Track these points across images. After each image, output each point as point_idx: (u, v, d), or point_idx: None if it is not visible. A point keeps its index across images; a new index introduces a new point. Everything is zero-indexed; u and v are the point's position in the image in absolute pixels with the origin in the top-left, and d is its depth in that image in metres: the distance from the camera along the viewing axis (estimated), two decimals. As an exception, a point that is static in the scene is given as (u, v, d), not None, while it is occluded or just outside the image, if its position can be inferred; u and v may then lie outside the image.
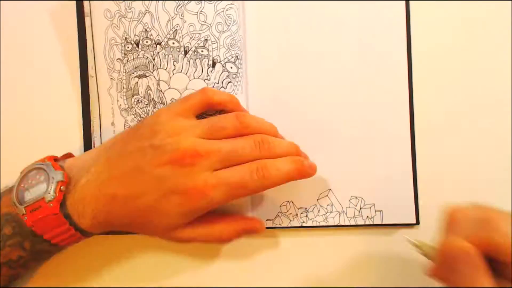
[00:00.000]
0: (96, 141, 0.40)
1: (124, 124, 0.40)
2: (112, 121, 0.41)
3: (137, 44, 0.39)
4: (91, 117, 0.40)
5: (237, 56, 0.39)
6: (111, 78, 0.40)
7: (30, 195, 0.32)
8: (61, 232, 0.33)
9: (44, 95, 0.41)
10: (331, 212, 0.38)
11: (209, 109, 0.37)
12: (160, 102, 0.39)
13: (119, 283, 0.40)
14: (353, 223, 0.38)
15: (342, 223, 0.38)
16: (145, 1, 0.39)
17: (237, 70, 0.39)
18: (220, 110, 0.37)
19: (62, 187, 0.33)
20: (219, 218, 0.36)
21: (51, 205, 0.32)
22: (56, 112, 0.41)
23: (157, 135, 0.33)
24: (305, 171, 0.34)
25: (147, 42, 0.39)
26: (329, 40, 0.39)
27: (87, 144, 0.40)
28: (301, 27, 0.40)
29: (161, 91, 0.39)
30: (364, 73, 0.39)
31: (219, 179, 0.32)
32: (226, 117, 0.35)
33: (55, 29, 0.41)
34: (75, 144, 0.40)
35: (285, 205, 0.39)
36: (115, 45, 0.40)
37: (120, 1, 0.39)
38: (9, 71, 0.41)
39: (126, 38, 0.40)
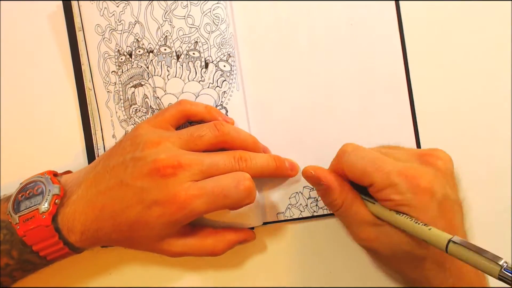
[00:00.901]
0: (100, 153, 0.40)
1: (125, 135, 0.41)
2: (113, 133, 0.41)
3: (130, 55, 0.40)
4: (94, 130, 0.41)
5: (229, 54, 0.39)
6: (108, 91, 0.41)
7: (25, 206, 0.33)
8: (50, 245, 0.33)
9: (43, 109, 0.42)
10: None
11: (187, 120, 0.37)
12: (158, 108, 0.39)
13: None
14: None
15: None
16: (134, 12, 0.39)
17: (231, 68, 0.39)
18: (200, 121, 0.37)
19: (56, 201, 0.33)
20: (210, 232, 0.36)
21: (44, 216, 0.32)
22: (57, 126, 0.41)
23: (137, 148, 0.34)
24: (285, 169, 0.37)
25: (139, 51, 0.40)
26: (320, 28, 0.39)
27: (91, 157, 0.40)
28: (290, 18, 0.40)
29: (158, 97, 0.39)
30: (359, 58, 0.39)
31: (201, 189, 0.32)
32: (204, 125, 0.35)
33: (48, 43, 0.42)
34: (79, 158, 0.41)
35: (294, 196, 0.39)
36: (109, 58, 0.40)
37: (110, 15, 0.40)
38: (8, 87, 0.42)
39: (118, 50, 0.40)
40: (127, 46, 0.40)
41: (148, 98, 0.40)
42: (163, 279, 0.40)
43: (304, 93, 0.39)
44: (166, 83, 0.39)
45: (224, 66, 0.39)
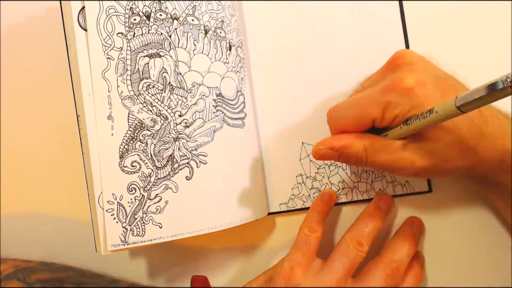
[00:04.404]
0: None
1: (128, 116, 0.32)
2: (109, 113, 0.31)
3: (148, 17, 0.33)
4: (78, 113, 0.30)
5: (241, 42, 0.38)
6: (108, 57, 0.31)
7: None
8: None
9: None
10: (343, 188, 0.39)
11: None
12: (179, 86, 0.33)
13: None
14: (366, 197, 0.37)
15: (355, 199, 0.38)
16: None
17: (243, 56, 0.38)
18: None
19: None
20: None
21: None
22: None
23: None
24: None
25: (161, 15, 0.33)
26: (323, 17, 0.39)
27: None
28: (293, 7, 0.39)
29: (180, 73, 0.33)
30: (361, 46, 0.38)
31: None
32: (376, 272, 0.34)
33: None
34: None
35: (297, 187, 0.40)
36: (115, 15, 0.31)
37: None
38: None
39: (131, 7, 0.32)
40: (145, 6, 0.32)
41: (167, 72, 0.33)
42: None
43: (306, 84, 0.39)
44: (191, 58, 0.34)
45: (240, 52, 0.37)
